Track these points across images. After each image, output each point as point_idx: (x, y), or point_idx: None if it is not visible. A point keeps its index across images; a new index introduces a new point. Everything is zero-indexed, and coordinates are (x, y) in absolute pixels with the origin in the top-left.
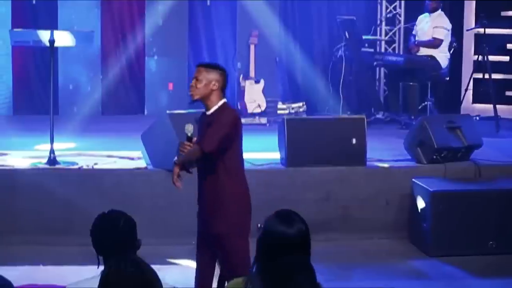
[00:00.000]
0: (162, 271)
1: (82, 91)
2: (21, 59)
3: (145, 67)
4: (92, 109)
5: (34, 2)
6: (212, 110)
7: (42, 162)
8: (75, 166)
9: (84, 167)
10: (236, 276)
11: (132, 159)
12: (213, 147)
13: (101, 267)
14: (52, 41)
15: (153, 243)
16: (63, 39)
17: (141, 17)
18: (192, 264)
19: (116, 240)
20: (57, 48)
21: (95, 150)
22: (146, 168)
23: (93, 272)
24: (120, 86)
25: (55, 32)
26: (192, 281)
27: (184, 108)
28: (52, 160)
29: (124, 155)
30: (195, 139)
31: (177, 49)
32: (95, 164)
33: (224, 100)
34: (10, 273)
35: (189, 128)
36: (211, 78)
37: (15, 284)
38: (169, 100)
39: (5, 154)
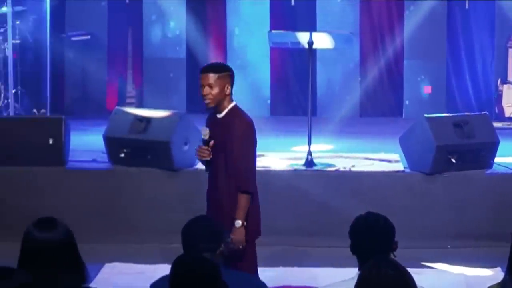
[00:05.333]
0: (418, 275)
1: (339, 93)
2: (279, 60)
3: (403, 70)
4: (350, 111)
5: (293, 3)
6: (223, 114)
7: (299, 164)
8: (332, 168)
9: (341, 169)
10: None
11: (390, 161)
12: (253, 182)
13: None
14: (310, 43)
15: (408, 246)
16: (322, 41)
17: (400, 18)
18: (447, 268)
19: (374, 242)
20: (315, 49)
21: (352, 152)
22: (403, 171)
23: (349, 274)
24: (378, 89)
25: (314, 34)
26: (447, 286)
27: (441, 111)
28: (309, 162)
29: (382, 158)
30: (212, 142)
31: (435, 52)
32: (353, 166)
33: (234, 102)
34: (267, 273)
35: (206, 132)
36: (224, 82)
37: (271, 285)
38: (427, 104)
39: (262, 155)
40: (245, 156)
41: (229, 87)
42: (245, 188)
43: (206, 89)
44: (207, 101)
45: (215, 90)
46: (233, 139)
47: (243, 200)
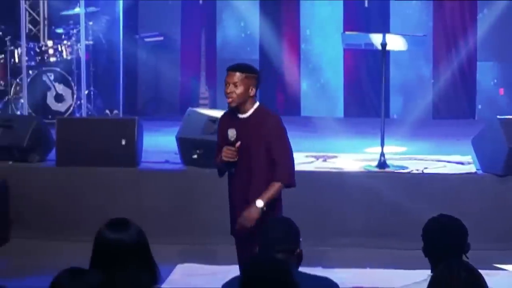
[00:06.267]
0: (490, 277)
1: (412, 95)
2: (352, 62)
3: (476, 72)
4: (423, 113)
5: (366, 4)
6: (249, 114)
7: (372, 165)
8: (405, 170)
9: (414, 171)
10: None
11: (462, 163)
12: (293, 176)
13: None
14: (384, 44)
15: (480, 248)
16: (395, 43)
17: (473, 20)
18: None
19: (447, 244)
20: (388, 51)
21: (425, 154)
22: (475, 172)
23: (421, 276)
24: (451, 91)
25: (387, 36)
26: None
27: None
28: (382, 164)
29: (454, 160)
30: (238, 143)
31: (508, 53)
32: (425, 168)
33: (258, 102)
34: (338, 275)
35: (233, 134)
36: (249, 84)
37: (342, 286)
38: (500, 105)
39: (335, 157)
40: (287, 151)
41: (254, 89)
42: (288, 181)
43: (231, 87)
44: (229, 100)
45: (240, 90)
46: (271, 136)
47: (276, 188)
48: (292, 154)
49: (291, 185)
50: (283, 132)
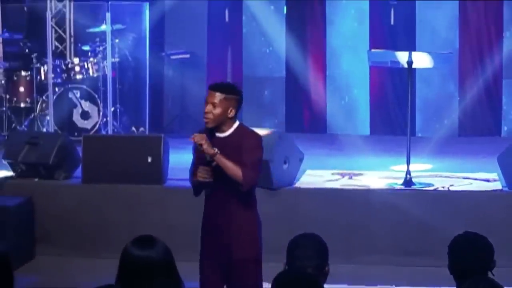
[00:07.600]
0: None
1: (438, 113)
2: (378, 79)
3: (502, 89)
4: (449, 131)
5: (392, 22)
6: (228, 133)
7: (398, 183)
8: (431, 188)
9: (440, 188)
10: None
11: (488, 180)
12: (253, 184)
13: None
14: (410, 62)
15: (506, 265)
16: (422, 60)
17: (499, 38)
18: None
19: (473, 261)
20: (415, 69)
21: (451, 172)
22: (501, 190)
23: None
24: (477, 108)
25: (413, 54)
26: None
27: None
28: (408, 181)
29: (480, 177)
30: (215, 163)
31: None
32: (451, 185)
33: (237, 122)
34: None
35: None
36: (229, 105)
37: None
38: None
39: (361, 174)
40: (258, 164)
41: (233, 111)
42: (246, 185)
43: (209, 107)
44: (206, 120)
45: (217, 110)
46: (247, 150)
47: (237, 173)
48: (259, 171)
49: (243, 188)
50: (260, 151)
